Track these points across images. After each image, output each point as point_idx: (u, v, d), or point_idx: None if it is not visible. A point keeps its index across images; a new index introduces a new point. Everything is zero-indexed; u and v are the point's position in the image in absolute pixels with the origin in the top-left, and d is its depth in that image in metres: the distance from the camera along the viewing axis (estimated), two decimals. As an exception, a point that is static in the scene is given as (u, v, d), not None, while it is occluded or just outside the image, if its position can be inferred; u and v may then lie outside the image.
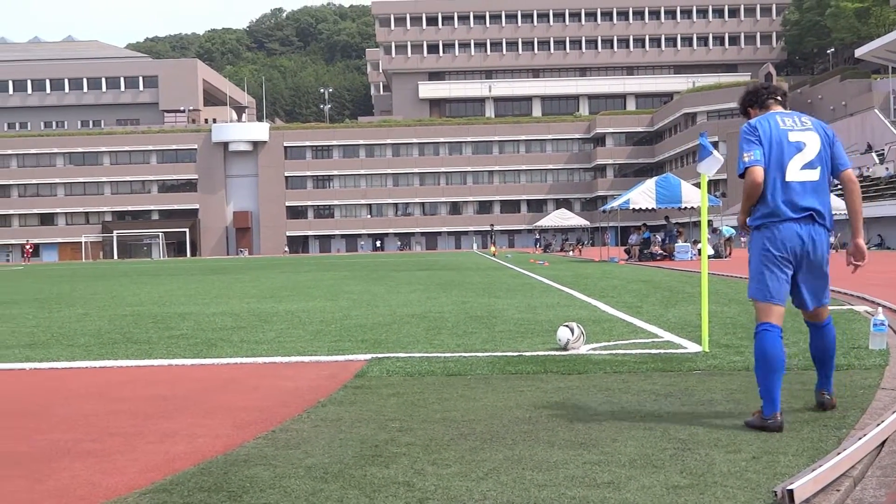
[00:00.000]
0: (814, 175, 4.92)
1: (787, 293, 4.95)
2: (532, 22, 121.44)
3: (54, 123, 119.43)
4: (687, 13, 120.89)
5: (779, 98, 5.20)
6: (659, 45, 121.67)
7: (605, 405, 5.52)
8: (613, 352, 7.98)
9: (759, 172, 4.87)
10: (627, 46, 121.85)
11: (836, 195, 31.24)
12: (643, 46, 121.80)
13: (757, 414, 4.86)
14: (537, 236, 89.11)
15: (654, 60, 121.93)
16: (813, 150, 4.93)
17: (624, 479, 3.80)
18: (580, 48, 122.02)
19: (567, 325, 8.27)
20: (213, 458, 4.36)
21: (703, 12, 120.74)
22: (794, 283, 5.01)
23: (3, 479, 4.10)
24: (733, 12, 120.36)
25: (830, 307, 5.27)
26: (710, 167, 7.28)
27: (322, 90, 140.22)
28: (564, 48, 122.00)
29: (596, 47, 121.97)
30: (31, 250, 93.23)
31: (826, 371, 5.24)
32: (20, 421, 5.50)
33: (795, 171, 4.89)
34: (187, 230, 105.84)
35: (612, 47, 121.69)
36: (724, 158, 7.58)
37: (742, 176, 4.96)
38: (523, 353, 7.98)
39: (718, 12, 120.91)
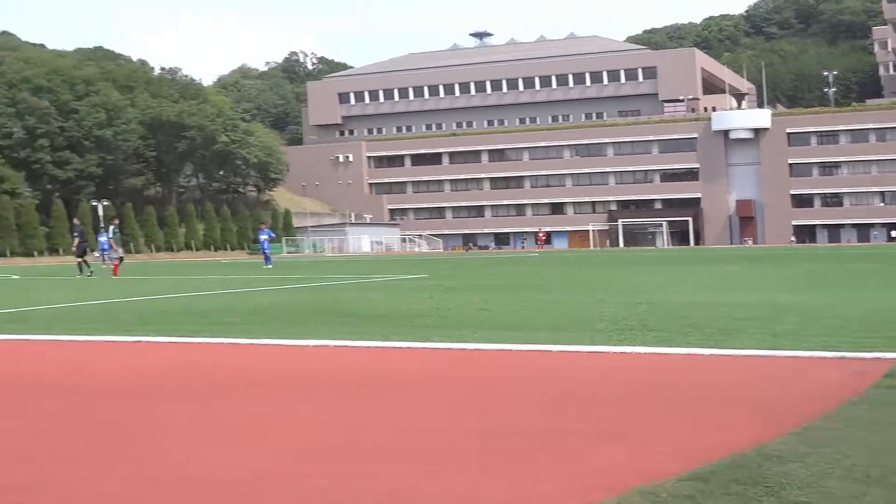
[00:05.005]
0: None
1: None
2: None
3: (560, 117, 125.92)
4: None
5: None
6: None
7: None
8: None
9: None
10: None
11: None
12: None
13: None
14: None
15: None
16: None
17: None
18: None
19: None
20: (744, 451, 4.32)
21: None
22: None
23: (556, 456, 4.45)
24: None
25: None
26: None
27: (825, 73, 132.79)
28: None
29: None
30: (544, 238, 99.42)
31: None
32: (552, 400, 5.91)
33: None
34: (690, 219, 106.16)
35: None
36: None
37: None
38: None
39: None
